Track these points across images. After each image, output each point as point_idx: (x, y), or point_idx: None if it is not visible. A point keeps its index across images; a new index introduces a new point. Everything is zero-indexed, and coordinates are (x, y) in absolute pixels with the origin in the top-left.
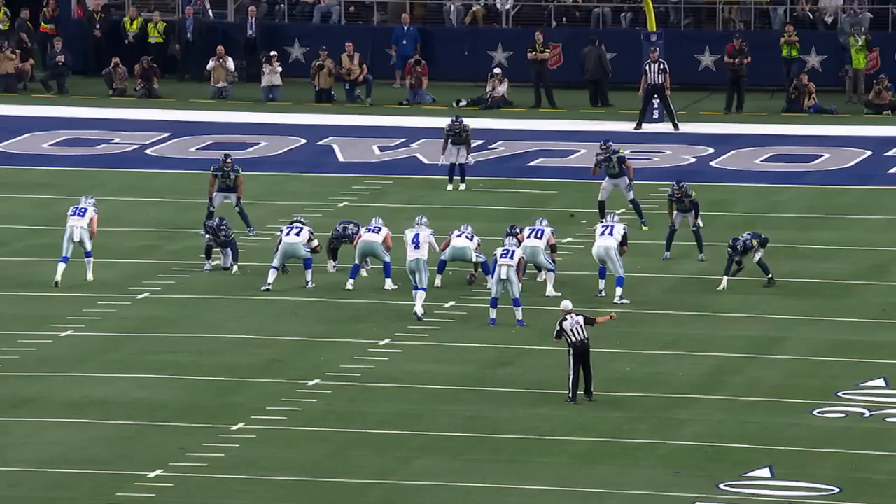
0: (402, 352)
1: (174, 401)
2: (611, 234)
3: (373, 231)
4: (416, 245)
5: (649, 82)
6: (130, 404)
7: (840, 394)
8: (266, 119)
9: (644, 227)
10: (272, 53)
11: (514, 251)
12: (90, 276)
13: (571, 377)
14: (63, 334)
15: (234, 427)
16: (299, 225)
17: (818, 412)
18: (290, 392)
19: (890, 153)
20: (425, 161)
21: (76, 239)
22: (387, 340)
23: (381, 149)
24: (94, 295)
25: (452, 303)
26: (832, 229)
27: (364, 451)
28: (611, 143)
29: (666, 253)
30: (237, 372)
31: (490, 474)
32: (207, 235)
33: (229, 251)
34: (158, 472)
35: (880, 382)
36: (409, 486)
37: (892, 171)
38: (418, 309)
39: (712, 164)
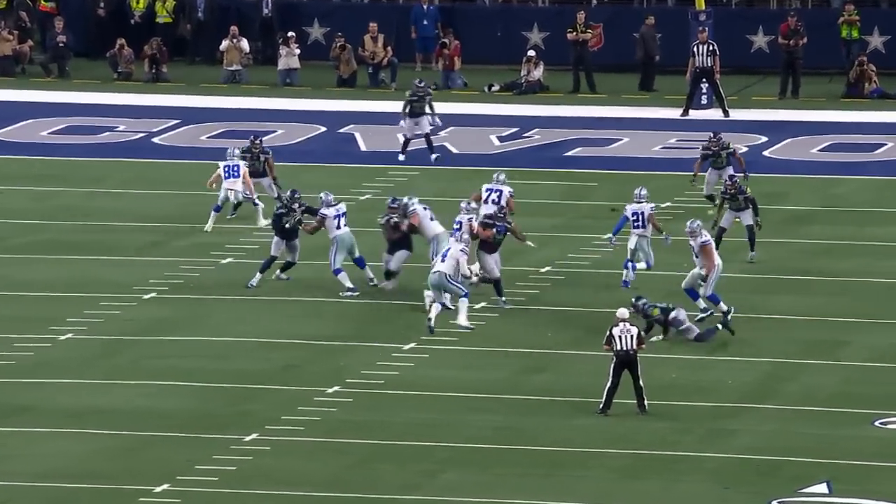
0: (428, 357)
1: (182, 409)
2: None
3: (441, 259)
4: (443, 258)
5: (697, 65)
6: (135, 413)
7: None
8: (283, 105)
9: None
10: (290, 34)
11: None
12: (262, 223)
13: (608, 386)
14: (63, 337)
15: (248, 438)
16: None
17: (880, 423)
18: (307, 400)
19: None
20: (455, 150)
21: (234, 201)
22: (412, 345)
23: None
24: (97, 295)
25: (483, 304)
26: (895, 224)
27: (387, 464)
28: (721, 135)
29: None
30: (250, 378)
31: (522, 489)
32: (281, 213)
33: (297, 244)
34: (165, 486)
35: None
36: (434, 501)
37: None
38: (462, 321)
39: (765, 153)
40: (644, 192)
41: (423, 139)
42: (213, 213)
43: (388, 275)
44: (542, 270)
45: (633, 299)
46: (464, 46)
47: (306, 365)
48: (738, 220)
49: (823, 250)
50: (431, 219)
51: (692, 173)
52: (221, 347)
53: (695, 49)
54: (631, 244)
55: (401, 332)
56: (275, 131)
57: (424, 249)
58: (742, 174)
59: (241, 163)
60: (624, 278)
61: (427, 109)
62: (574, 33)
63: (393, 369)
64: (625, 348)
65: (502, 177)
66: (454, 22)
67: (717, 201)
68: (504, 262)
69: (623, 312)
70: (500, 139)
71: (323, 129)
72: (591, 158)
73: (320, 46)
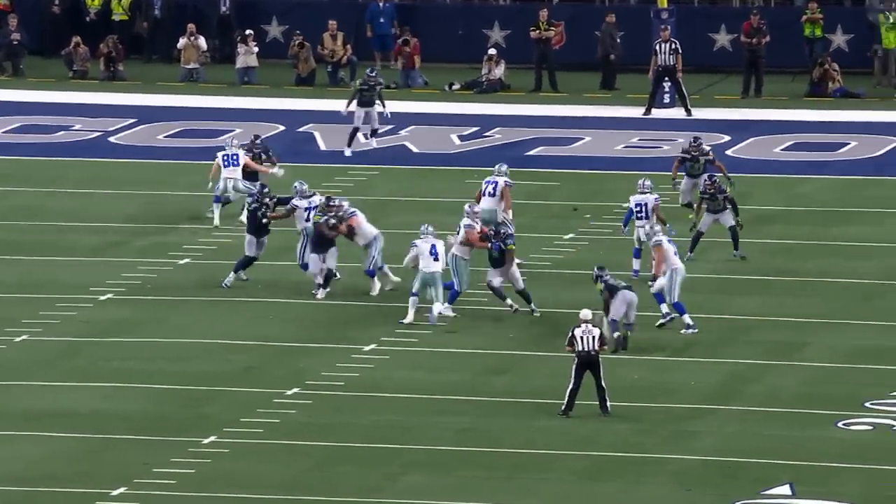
0: (389, 358)
1: (140, 412)
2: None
3: (434, 258)
4: (436, 257)
5: (660, 64)
6: (92, 416)
7: (868, 404)
8: (241, 104)
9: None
10: (248, 32)
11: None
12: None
13: (570, 388)
14: (18, 339)
15: (206, 440)
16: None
17: (843, 424)
18: (266, 402)
19: None
20: (415, 149)
21: (230, 194)
22: (373, 346)
23: (366, 136)
24: (52, 296)
25: (445, 305)
26: (859, 224)
27: (347, 467)
28: (702, 141)
29: (689, 254)
30: (209, 380)
31: (485, 491)
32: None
33: (265, 241)
34: (122, 489)
35: None
36: None
37: None
38: (438, 311)
39: (728, 153)
40: (648, 182)
41: (361, 129)
42: (215, 205)
43: (326, 281)
44: None
45: (596, 268)
46: (424, 44)
47: (265, 367)
48: (717, 221)
49: (786, 250)
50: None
51: (670, 175)
52: (180, 349)
53: (657, 47)
54: (637, 234)
55: (361, 334)
56: (233, 130)
57: (356, 251)
58: (728, 181)
59: (241, 151)
60: (634, 268)
61: (377, 100)
62: (537, 31)
63: (353, 371)
64: (587, 349)
65: (504, 168)
66: (414, 19)
67: (696, 204)
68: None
69: (586, 313)
70: (461, 138)
71: (282, 128)
72: (552, 158)
73: (279, 44)
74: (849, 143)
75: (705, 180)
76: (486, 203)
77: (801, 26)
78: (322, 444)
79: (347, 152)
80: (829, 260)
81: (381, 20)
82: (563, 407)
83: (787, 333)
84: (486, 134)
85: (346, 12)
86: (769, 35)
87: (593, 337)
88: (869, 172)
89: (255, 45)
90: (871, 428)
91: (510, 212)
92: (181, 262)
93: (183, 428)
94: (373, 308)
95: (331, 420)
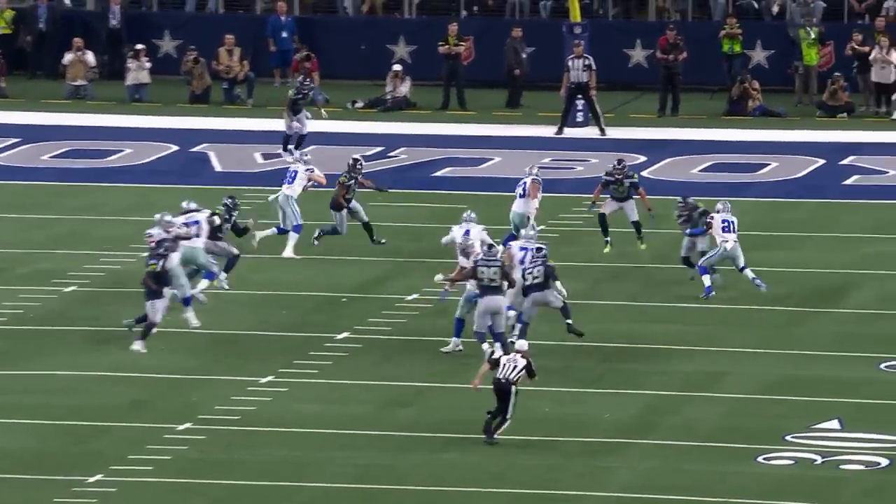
0: (287, 391)
1: (19, 449)
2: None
3: None
4: None
5: (572, 80)
6: None
7: (788, 437)
8: (131, 122)
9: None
10: (139, 47)
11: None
12: (288, 253)
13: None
14: None
15: (91, 479)
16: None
17: (764, 458)
18: (156, 438)
19: (845, 162)
20: (316, 170)
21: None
22: (270, 378)
23: (265, 157)
24: None
25: (346, 334)
26: (780, 249)
27: None
28: (625, 163)
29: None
30: (95, 415)
31: None
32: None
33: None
34: None
35: (834, 424)
36: None
37: (848, 182)
38: None
39: (644, 174)
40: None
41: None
42: (289, 234)
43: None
44: (409, 298)
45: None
46: (326, 60)
47: (155, 400)
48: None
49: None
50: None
51: (591, 198)
52: (64, 381)
53: (570, 63)
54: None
55: (258, 365)
56: (122, 150)
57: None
58: (649, 213)
59: (301, 167)
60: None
61: (305, 108)
62: (446, 46)
63: (249, 404)
64: (503, 376)
65: (535, 169)
66: (315, 34)
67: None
68: (369, 290)
69: (522, 345)
70: (365, 159)
71: (174, 147)
72: (460, 179)
73: (171, 60)
74: (769, 164)
75: (615, 164)
76: (516, 206)
77: (720, 42)
78: (216, 481)
79: (285, 154)
80: (748, 286)
81: (284, 34)
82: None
83: (704, 363)
84: (391, 154)
85: (242, 26)
86: (686, 51)
87: (515, 366)
88: (790, 195)
89: (147, 61)
90: (792, 462)
91: (535, 204)
92: (66, 289)
93: (67, 466)
94: (270, 338)
95: (225, 456)
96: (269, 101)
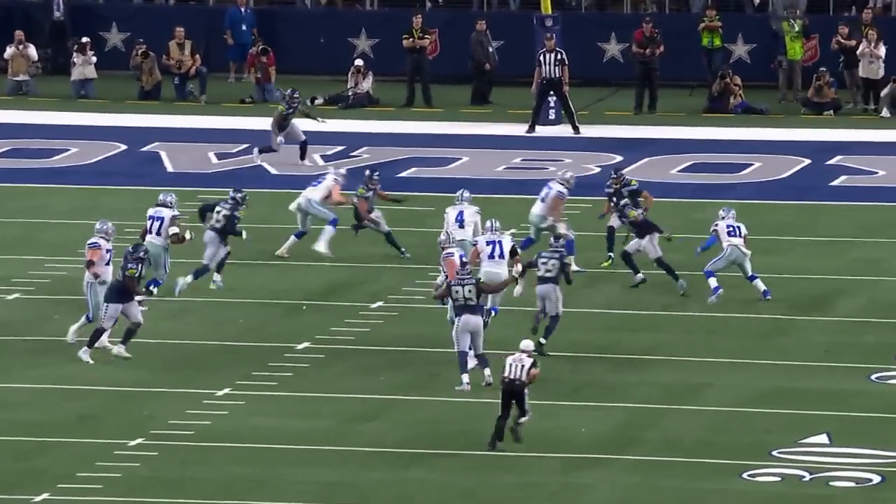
0: (244, 404)
1: None
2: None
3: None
4: (461, 223)
5: (544, 76)
6: None
7: (775, 453)
8: (77, 120)
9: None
10: (85, 40)
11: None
12: (322, 248)
13: (498, 416)
14: None
15: (38, 498)
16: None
17: (749, 475)
18: (106, 454)
19: (832, 162)
20: (273, 171)
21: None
22: (227, 390)
23: (220, 156)
24: None
25: (307, 344)
26: (763, 254)
27: None
28: (622, 173)
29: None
30: (41, 430)
31: None
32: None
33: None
34: None
35: (822, 439)
36: None
37: (834, 183)
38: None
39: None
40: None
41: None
42: (325, 228)
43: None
44: (374, 306)
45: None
46: (283, 55)
47: (105, 414)
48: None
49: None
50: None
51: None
52: (8, 395)
53: (541, 58)
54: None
55: (214, 377)
56: (67, 150)
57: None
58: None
59: (332, 174)
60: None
61: (302, 115)
62: (410, 40)
63: (205, 418)
64: (512, 377)
65: (568, 174)
66: (272, 27)
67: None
68: (331, 296)
69: (527, 344)
70: (325, 159)
71: (123, 147)
72: (426, 180)
73: (119, 54)
74: (752, 164)
75: (611, 174)
76: (536, 208)
77: (699, 35)
78: (169, 500)
79: (258, 160)
80: (730, 293)
81: (244, 27)
82: (488, 438)
83: (685, 374)
84: (353, 154)
85: (194, 18)
86: (663, 45)
87: (522, 366)
88: (773, 196)
89: (93, 55)
90: (779, 479)
91: (562, 224)
92: (9, 297)
93: (11, 484)
94: (227, 348)
95: (179, 474)
96: (222, 98)
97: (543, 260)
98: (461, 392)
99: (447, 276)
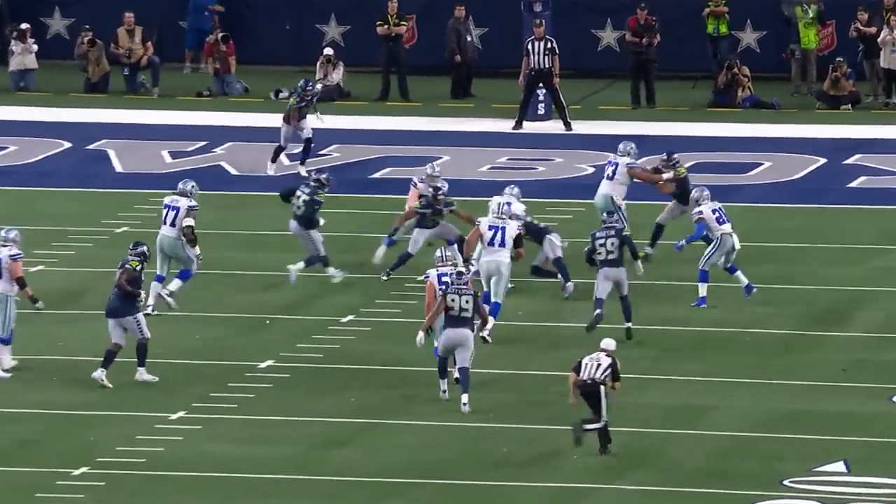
0: (201, 428)
1: None
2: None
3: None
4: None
5: (532, 66)
6: None
7: (786, 482)
8: (15, 115)
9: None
10: (24, 26)
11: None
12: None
13: (588, 417)
14: None
15: None
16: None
17: None
18: (48, 484)
19: (850, 161)
20: (234, 171)
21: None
22: (181, 413)
23: (174, 155)
24: None
25: (270, 362)
26: (773, 262)
27: None
28: (675, 155)
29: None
30: None
31: None
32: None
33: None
34: None
35: (839, 467)
36: None
37: (852, 184)
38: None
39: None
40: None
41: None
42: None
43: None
44: (344, 320)
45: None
46: (244, 43)
47: (47, 440)
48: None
49: (685, 294)
50: None
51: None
52: None
53: (529, 47)
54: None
55: (167, 398)
56: (5, 147)
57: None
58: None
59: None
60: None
61: (311, 110)
62: (385, 26)
63: (157, 444)
64: (587, 377)
65: (630, 146)
66: (231, 13)
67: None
68: (297, 310)
69: (609, 343)
70: (291, 158)
71: (67, 144)
72: (403, 182)
73: (63, 42)
74: (761, 164)
75: (663, 156)
76: (602, 187)
77: (703, 22)
78: None
79: (271, 170)
80: (737, 306)
81: (206, 13)
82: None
83: (688, 396)
84: (322, 152)
85: (145, 2)
86: (660, 33)
87: (598, 365)
88: (785, 199)
89: (34, 43)
90: None
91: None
92: None
93: None
94: (182, 367)
95: None
96: (177, 90)
97: (600, 240)
98: (442, 400)
99: (427, 304)
